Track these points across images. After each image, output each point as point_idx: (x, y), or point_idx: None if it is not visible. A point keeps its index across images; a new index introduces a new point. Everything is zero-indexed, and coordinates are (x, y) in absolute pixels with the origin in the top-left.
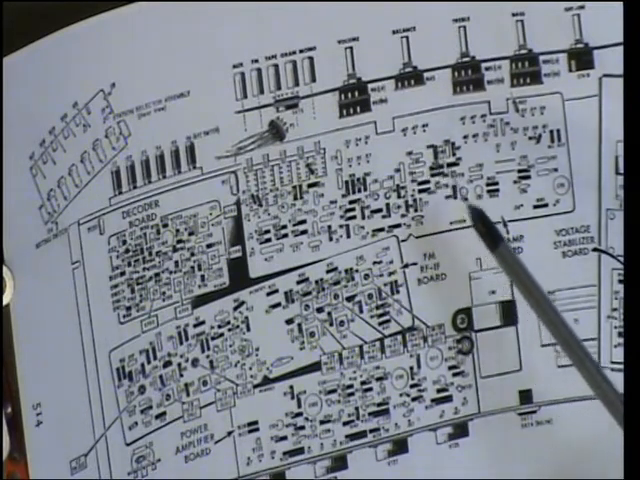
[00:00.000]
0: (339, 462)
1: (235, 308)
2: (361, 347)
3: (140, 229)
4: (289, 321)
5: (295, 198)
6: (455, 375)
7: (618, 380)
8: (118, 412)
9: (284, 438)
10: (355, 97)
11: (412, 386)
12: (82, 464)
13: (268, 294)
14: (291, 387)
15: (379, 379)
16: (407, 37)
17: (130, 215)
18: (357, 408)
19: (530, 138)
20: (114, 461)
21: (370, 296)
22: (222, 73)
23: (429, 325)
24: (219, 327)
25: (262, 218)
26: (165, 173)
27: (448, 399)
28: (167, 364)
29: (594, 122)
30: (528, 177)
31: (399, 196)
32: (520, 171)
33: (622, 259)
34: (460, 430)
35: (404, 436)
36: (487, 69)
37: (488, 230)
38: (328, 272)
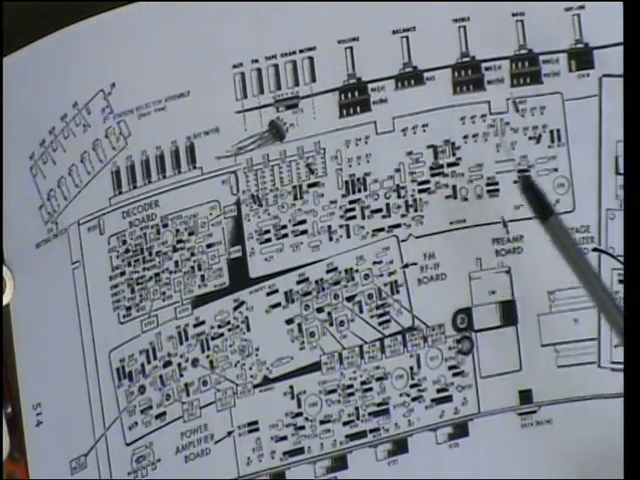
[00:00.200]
0: (339, 462)
1: (235, 308)
2: (361, 347)
3: (140, 229)
4: (289, 321)
5: (295, 198)
6: (455, 375)
7: (618, 380)
8: (118, 412)
9: (284, 438)
10: (355, 97)
11: (412, 386)
12: (82, 464)
13: (268, 294)
14: (291, 387)
15: (379, 379)
16: (407, 37)
17: (130, 215)
18: (357, 408)
19: (530, 138)
20: (114, 461)
21: (370, 296)
22: (222, 73)
23: (429, 325)
24: (219, 327)
25: (262, 218)
26: (165, 173)
27: (448, 399)
28: (167, 364)
29: (594, 122)
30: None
31: (399, 196)
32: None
33: (622, 259)
34: (460, 430)
35: (404, 436)
36: (487, 69)
37: (539, 201)
38: (328, 272)
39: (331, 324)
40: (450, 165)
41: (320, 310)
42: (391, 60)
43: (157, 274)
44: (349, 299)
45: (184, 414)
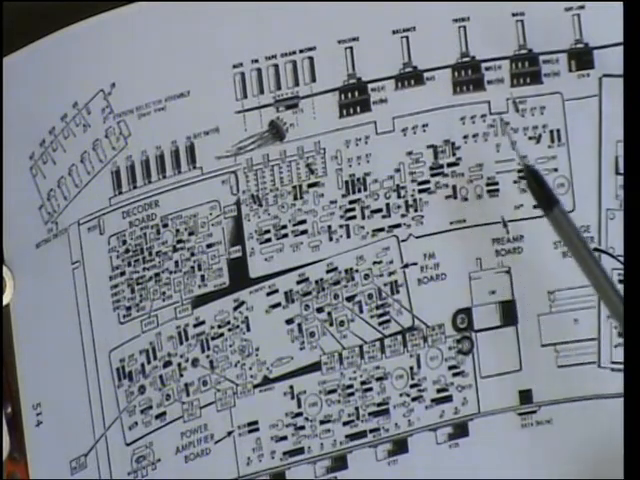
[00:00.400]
0: (339, 462)
1: (235, 308)
2: (361, 347)
3: (140, 229)
4: (289, 321)
5: (295, 198)
6: (455, 375)
7: (618, 380)
8: (118, 412)
9: (284, 438)
10: (355, 97)
11: (412, 386)
12: (82, 464)
13: (268, 294)
14: (291, 387)
15: (379, 379)
16: (407, 37)
17: (130, 215)
18: (357, 408)
19: (530, 138)
20: (114, 461)
21: (370, 296)
22: (222, 73)
23: (429, 325)
24: (219, 327)
25: (262, 218)
26: (165, 173)
27: (448, 399)
28: (167, 364)
29: (594, 122)
30: None
31: (399, 196)
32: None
33: (622, 259)
34: (460, 430)
35: (404, 436)
36: (487, 69)
37: (543, 191)
38: (328, 272)
39: (331, 324)
40: (450, 165)
41: (320, 310)
42: (391, 60)
43: (157, 274)
44: (349, 299)
45: (184, 414)
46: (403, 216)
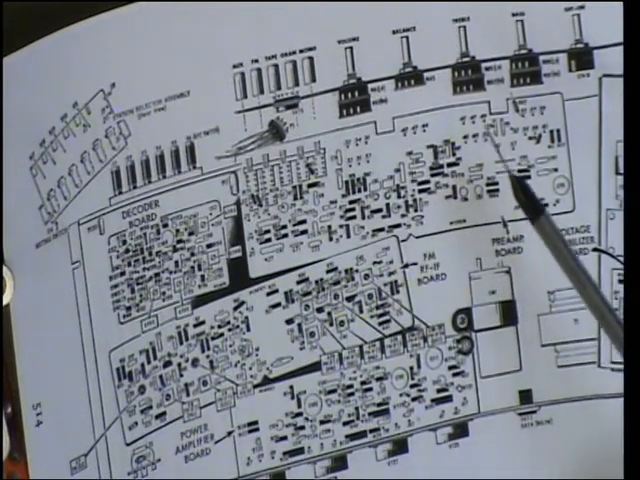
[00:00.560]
0: (339, 462)
1: (235, 308)
2: (361, 347)
3: (140, 229)
4: (289, 321)
5: (295, 198)
6: (455, 375)
7: (618, 380)
8: (118, 412)
9: (284, 438)
10: (355, 97)
11: (412, 386)
12: (82, 464)
13: (268, 294)
14: (291, 387)
15: (379, 379)
16: (407, 37)
17: (130, 215)
18: (357, 408)
19: (530, 138)
20: (114, 461)
21: (370, 296)
22: (222, 73)
23: (429, 325)
24: (219, 327)
25: (262, 218)
26: (165, 173)
27: (448, 399)
28: (167, 364)
29: (594, 122)
30: (528, 177)
31: (399, 196)
32: (520, 171)
33: (622, 259)
34: (460, 430)
35: (404, 436)
36: (487, 69)
37: (529, 200)
38: (328, 272)
39: (331, 324)
40: (450, 165)
41: (320, 310)
42: (391, 60)
43: (157, 274)
44: (349, 299)
45: (184, 414)
46: (403, 216)
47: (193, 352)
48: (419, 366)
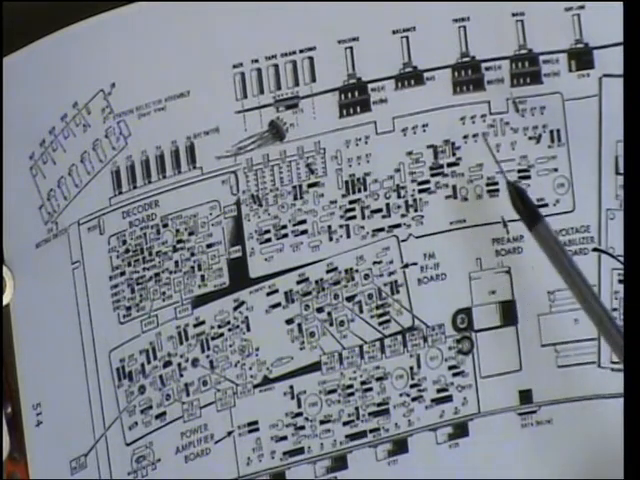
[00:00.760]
0: (339, 462)
1: (235, 308)
2: (361, 347)
3: (140, 229)
4: (289, 321)
5: (295, 198)
6: (455, 375)
7: (618, 380)
8: (118, 412)
9: (284, 438)
10: (355, 97)
11: (412, 386)
12: (82, 464)
13: (268, 294)
14: (291, 387)
15: (379, 379)
16: (407, 37)
17: (130, 215)
18: (357, 408)
19: (530, 138)
20: (114, 461)
21: (370, 296)
22: (222, 73)
23: (429, 325)
24: (219, 327)
25: (262, 218)
26: (165, 173)
27: (448, 399)
28: (167, 364)
29: (594, 122)
30: (528, 177)
31: (399, 196)
32: (520, 171)
33: (622, 259)
34: (460, 430)
35: (404, 436)
36: (487, 69)
37: (526, 208)
38: (328, 272)
39: (331, 324)
40: (450, 165)
41: (320, 310)
42: (391, 60)
43: (157, 274)
44: (349, 299)
45: (184, 414)
46: (403, 216)
47: (193, 352)
48: (419, 366)
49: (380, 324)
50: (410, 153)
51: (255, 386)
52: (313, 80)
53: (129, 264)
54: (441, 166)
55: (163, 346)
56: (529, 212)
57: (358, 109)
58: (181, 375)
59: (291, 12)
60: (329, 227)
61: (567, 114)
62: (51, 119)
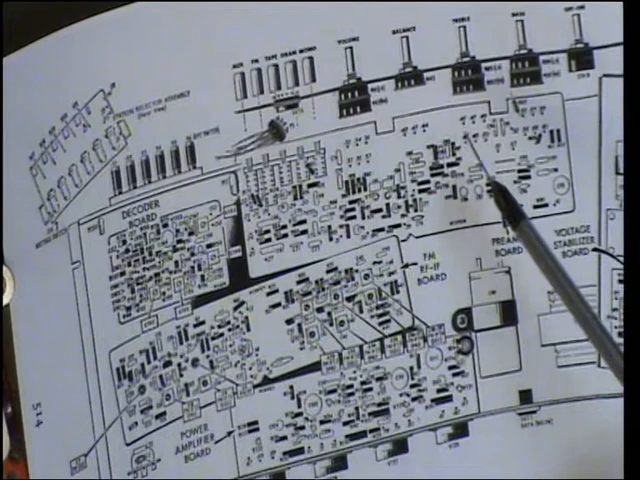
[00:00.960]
0: (339, 462)
1: (235, 308)
2: (361, 347)
3: (140, 229)
4: (289, 321)
5: (295, 198)
6: (455, 375)
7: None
8: (118, 412)
9: (284, 438)
10: (355, 97)
11: (412, 386)
12: (82, 464)
13: (268, 294)
14: (291, 387)
15: (379, 379)
16: (407, 37)
17: (130, 215)
18: (357, 408)
19: (530, 138)
20: (114, 461)
21: (370, 296)
22: (222, 73)
23: (429, 325)
24: (219, 327)
25: (262, 218)
26: (165, 173)
27: (448, 399)
28: (167, 364)
29: (594, 122)
30: (528, 177)
31: (399, 196)
32: (520, 171)
33: (622, 259)
34: (460, 430)
35: (404, 436)
36: (487, 69)
37: (510, 207)
38: (328, 272)
39: (331, 324)
40: (450, 165)
41: (320, 310)
42: (391, 60)
43: (157, 274)
44: (349, 299)
45: (184, 414)
46: (403, 216)
47: (193, 352)
48: (419, 366)
49: (380, 324)
50: (410, 153)
51: (255, 386)
52: (313, 80)
53: (129, 264)
54: (441, 166)
55: (163, 346)
56: (512, 211)
57: (358, 109)
58: (181, 375)
59: (291, 12)
60: (329, 227)
61: (567, 114)
62: (51, 119)
